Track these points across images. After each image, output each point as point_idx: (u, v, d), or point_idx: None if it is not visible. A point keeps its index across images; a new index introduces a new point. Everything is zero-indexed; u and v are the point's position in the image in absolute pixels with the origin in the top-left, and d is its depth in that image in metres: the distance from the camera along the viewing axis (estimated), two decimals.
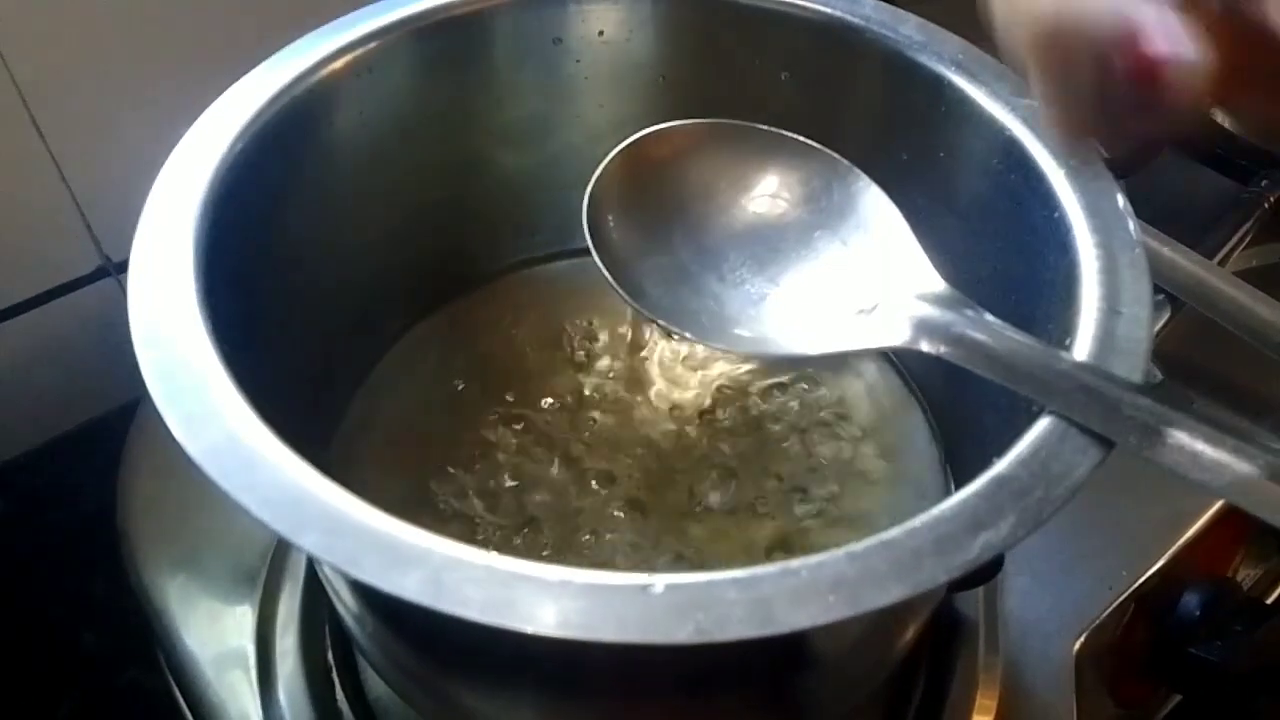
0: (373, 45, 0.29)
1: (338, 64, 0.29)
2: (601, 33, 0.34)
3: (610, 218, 0.29)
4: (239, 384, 0.22)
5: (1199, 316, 0.42)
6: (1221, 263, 0.45)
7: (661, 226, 0.30)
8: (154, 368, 0.22)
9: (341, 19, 0.29)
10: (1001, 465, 0.21)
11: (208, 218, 0.25)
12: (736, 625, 0.18)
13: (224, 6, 0.42)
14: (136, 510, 0.39)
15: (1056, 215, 0.26)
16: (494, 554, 0.19)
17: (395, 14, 0.30)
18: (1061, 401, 0.22)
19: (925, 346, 0.25)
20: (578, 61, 0.34)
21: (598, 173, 0.29)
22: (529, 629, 0.18)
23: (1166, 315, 0.43)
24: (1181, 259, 0.42)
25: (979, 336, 0.24)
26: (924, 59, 0.30)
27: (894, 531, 0.20)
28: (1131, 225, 0.25)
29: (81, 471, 0.45)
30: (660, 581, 0.19)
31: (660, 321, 0.28)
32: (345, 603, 0.28)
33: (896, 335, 0.26)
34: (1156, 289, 0.44)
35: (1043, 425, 0.22)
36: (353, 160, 0.31)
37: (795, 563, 0.19)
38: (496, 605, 0.18)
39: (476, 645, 0.23)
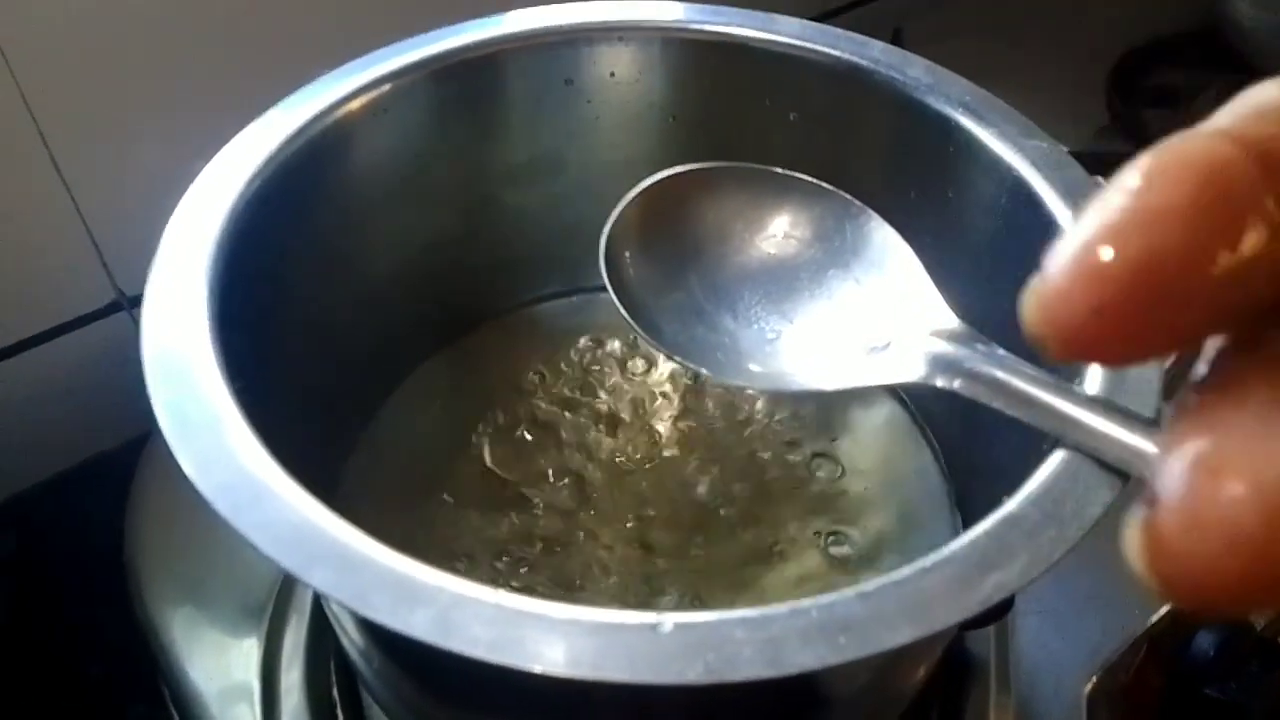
0: (387, 87, 0.30)
1: (353, 105, 0.29)
2: (613, 74, 0.35)
3: (628, 256, 0.29)
4: (250, 420, 0.22)
5: None
6: None
7: (677, 266, 0.30)
8: (165, 404, 0.22)
9: (358, 60, 0.30)
10: (1013, 504, 0.21)
11: (222, 255, 0.25)
12: (746, 666, 0.18)
13: (242, 45, 0.42)
14: (144, 544, 0.39)
15: None
16: (503, 592, 0.19)
17: (411, 56, 0.30)
18: (1079, 435, 0.22)
19: (940, 382, 0.25)
20: (589, 102, 0.35)
21: (615, 213, 0.29)
22: (537, 668, 0.18)
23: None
24: None
25: (993, 371, 0.24)
26: (932, 100, 0.31)
27: (904, 571, 0.20)
28: None
29: (91, 505, 0.45)
30: (669, 620, 0.19)
31: (676, 358, 0.28)
32: (351, 639, 0.28)
33: (911, 371, 0.26)
34: None
35: (1056, 461, 0.22)
36: (367, 199, 0.31)
37: (806, 603, 0.19)
38: (504, 644, 0.18)
39: (484, 683, 0.23)
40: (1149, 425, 0.21)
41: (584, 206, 0.37)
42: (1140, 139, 0.57)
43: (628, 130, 0.36)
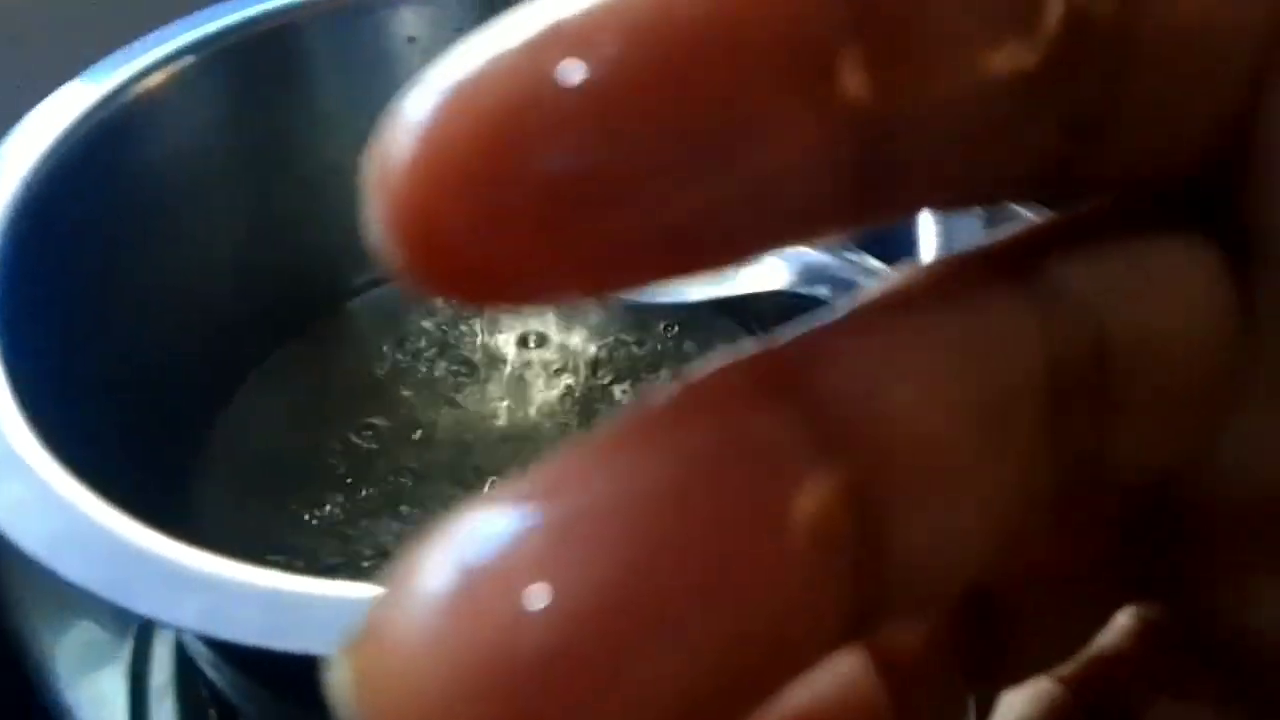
0: (192, 59, 0.28)
1: (155, 79, 0.27)
2: (460, 30, 0.33)
3: None
4: (36, 424, 0.21)
5: None
6: None
7: None
8: None
9: (165, 29, 0.28)
10: None
11: (6, 260, 0.24)
12: None
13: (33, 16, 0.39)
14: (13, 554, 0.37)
15: None
16: (281, 575, 0.18)
17: (221, 22, 0.29)
18: None
19: (804, 289, 0.26)
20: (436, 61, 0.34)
21: None
22: (311, 650, 0.17)
23: None
24: None
25: (857, 278, 0.24)
26: None
27: None
28: None
29: None
30: None
31: None
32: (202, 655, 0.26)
33: (778, 279, 0.26)
34: None
35: None
36: (183, 179, 0.29)
37: None
38: (277, 630, 0.17)
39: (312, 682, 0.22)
40: None
41: None
42: None
43: None
